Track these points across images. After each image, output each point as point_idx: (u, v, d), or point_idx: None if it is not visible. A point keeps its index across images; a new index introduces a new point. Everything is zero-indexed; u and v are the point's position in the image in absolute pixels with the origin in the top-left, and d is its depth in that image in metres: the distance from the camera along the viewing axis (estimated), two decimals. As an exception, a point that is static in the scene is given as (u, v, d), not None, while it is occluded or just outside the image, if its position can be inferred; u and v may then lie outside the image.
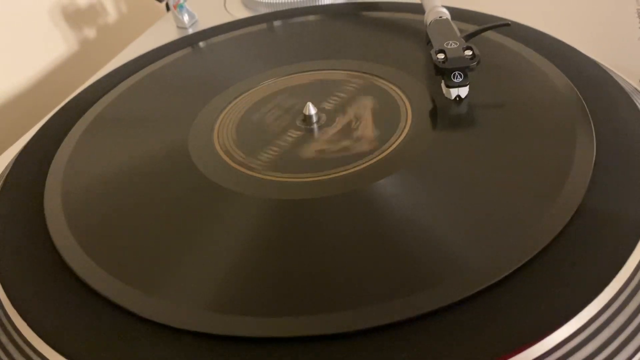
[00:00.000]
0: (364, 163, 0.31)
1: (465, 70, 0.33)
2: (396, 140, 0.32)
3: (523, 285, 0.23)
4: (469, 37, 0.36)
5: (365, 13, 0.47)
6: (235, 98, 0.38)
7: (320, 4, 0.53)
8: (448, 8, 0.40)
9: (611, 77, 0.34)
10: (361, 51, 0.41)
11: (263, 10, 0.54)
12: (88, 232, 0.29)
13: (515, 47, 0.38)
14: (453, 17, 0.39)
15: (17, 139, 0.42)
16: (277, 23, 0.48)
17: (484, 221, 0.26)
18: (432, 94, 0.35)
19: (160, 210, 0.30)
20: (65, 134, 0.37)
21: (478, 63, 0.32)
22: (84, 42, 0.61)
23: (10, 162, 0.37)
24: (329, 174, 0.30)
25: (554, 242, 0.24)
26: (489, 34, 0.39)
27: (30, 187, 0.33)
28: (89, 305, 0.25)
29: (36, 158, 0.36)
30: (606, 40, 0.41)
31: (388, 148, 0.31)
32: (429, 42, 0.37)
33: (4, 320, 0.26)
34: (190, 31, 0.53)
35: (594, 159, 0.28)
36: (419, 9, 0.43)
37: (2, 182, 0.34)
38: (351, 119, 0.34)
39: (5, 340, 0.25)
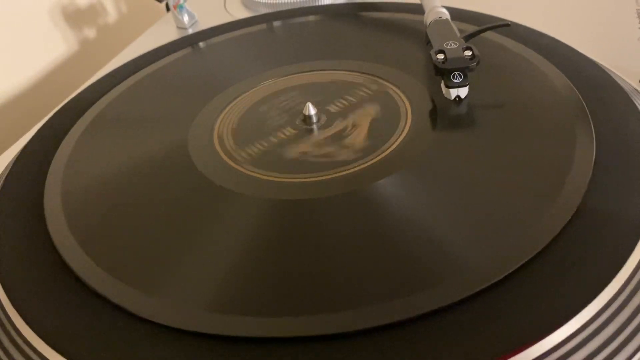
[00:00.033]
0: (364, 163, 0.31)
1: (464, 70, 0.33)
2: (396, 140, 0.32)
3: (523, 285, 0.23)
4: (468, 37, 0.36)
5: (365, 13, 0.47)
6: (235, 98, 0.38)
7: (320, 4, 0.53)
8: (448, 8, 0.40)
9: (611, 77, 0.34)
10: (361, 51, 0.41)
11: (263, 11, 0.54)
12: (88, 232, 0.29)
13: (514, 48, 0.38)
14: (453, 17, 0.39)
15: (17, 139, 0.42)
16: (277, 23, 0.48)
17: (484, 221, 0.26)
18: (432, 94, 0.35)
19: (160, 210, 0.30)
20: (65, 134, 0.37)
21: (478, 63, 0.32)
22: (84, 42, 0.61)
23: (10, 162, 0.37)
24: (329, 174, 0.30)
25: (554, 242, 0.24)
26: (489, 34, 0.39)
27: (30, 187, 0.33)
28: (89, 305, 0.25)
29: (36, 158, 0.36)
30: (606, 40, 0.41)
31: (388, 148, 0.31)
32: (428, 42, 0.37)
33: (4, 320, 0.26)
34: (190, 31, 0.53)
35: (593, 159, 0.28)
36: (419, 9, 0.43)
37: (2, 182, 0.34)
38: (347, 125, 0.34)
39: (5, 340, 0.25)
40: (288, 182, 0.30)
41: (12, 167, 0.35)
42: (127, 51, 0.52)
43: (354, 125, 0.34)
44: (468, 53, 0.33)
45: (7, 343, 0.25)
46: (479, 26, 0.37)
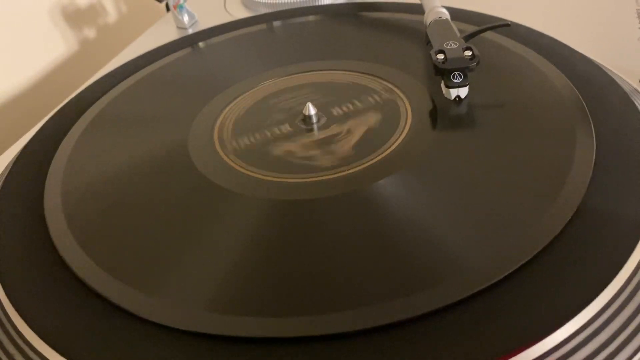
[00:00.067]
0: (364, 163, 0.31)
1: (464, 70, 0.33)
2: (396, 140, 0.32)
3: (523, 285, 0.23)
4: (468, 37, 0.36)
5: (365, 13, 0.47)
6: (235, 98, 0.38)
7: (320, 4, 0.53)
8: (448, 8, 0.40)
9: (611, 77, 0.34)
10: (361, 51, 0.41)
11: (263, 11, 0.54)
12: (88, 232, 0.29)
13: (514, 48, 0.38)
14: (453, 17, 0.39)
15: (17, 139, 0.42)
16: (277, 23, 0.48)
17: (484, 221, 0.26)
18: (432, 94, 0.35)
19: (160, 211, 0.30)
20: (65, 134, 0.37)
21: (478, 63, 0.32)
22: (84, 42, 0.61)
23: (10, 162, 0.37)
24: (330, 174, 0.30)
25: (554, 242, 0.24)
26: (489, 34, 0.39)
27: (30, 187, 0.33)
28: (89, 305, 0.25)
29: (36, 158, 0.36)
30: (606, 40, 0.41)
31: (388, 148, 0.31)
32: (428, 42, 0.37)
33: (4, 320, 0.26)
34: (190, 31, 0.53)
35: (593, 159, 0.28)
36: (419, 9, 0.43)
37: (2, 182, 0.34)
38: (342, 130, 0.34)
39: (5, 340, 0.25)
40: (288, 182, 0.30)
41: (12, 167, 0.35)
42: (127, 51, 0.52)
43: (348, 132, 0.34)
44: (468, 53, 0.33)
45: (7, 343, 0.25)
46: (479, 26, 0.37)
